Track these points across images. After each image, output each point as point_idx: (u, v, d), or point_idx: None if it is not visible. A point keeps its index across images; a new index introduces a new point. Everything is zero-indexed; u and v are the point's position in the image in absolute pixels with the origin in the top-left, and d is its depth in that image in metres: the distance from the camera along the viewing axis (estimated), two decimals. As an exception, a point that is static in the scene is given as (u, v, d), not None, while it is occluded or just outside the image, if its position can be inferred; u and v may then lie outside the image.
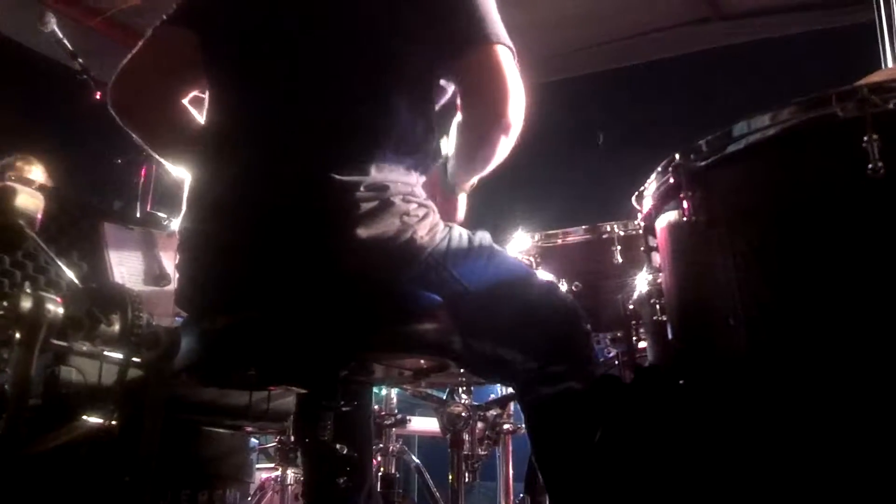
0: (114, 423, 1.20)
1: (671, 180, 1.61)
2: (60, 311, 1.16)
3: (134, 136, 1.82)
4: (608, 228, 2.78)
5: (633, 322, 2.40)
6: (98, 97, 3.41)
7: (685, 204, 1.57)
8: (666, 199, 1.70)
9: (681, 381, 1.62)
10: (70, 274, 1.65)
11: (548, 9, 4.78)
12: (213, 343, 1.62)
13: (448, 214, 1.91)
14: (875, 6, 2.61)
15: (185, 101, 1.82)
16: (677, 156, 1.60)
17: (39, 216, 1.82)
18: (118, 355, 1.23)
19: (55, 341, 1.13)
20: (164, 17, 1.78)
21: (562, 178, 4.78)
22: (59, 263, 1.71)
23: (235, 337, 1.59)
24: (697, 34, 4.92)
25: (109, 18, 4.83)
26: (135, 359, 1.20)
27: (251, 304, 1.57)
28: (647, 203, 1.80)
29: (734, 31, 4.84)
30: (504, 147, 1.67)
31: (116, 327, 1.16)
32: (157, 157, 1.91)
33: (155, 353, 1.21)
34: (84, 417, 1.20)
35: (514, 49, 1.65)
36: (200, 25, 1.75)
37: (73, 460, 1.54)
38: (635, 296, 2.26)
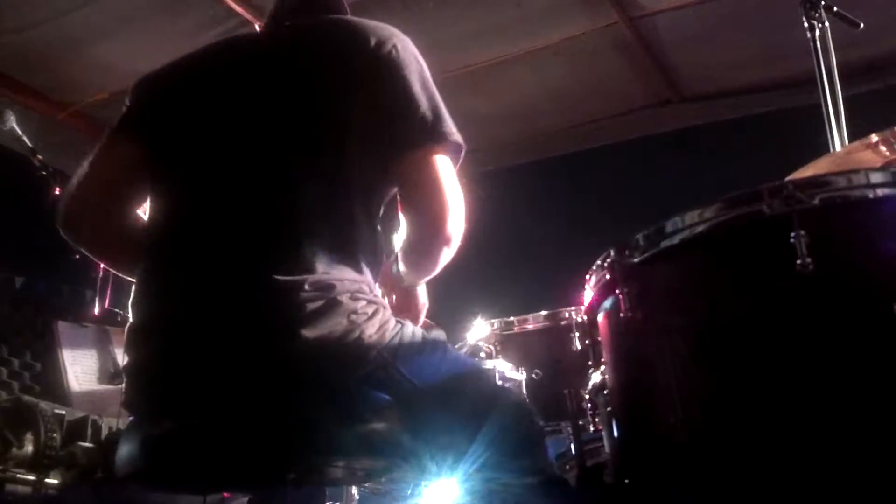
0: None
1: (607, 276, 1.61)
2: (-31, 434, 1.12)
3: (91, 255, 1.82)
4: (566, 315, 2.78)
5: (591, 412, 2.38)
6: (57, 192, 3.42)
7: (622, 299, 1.57)
8: (604, 293, 1.70)
9: (626, 481, 1.59)
10: (-9, 396, 1.61)
11: (508, 96, 4.88)
12: (157, 448, 1.58)
13: (409, 308, 1.89)
14: (820, 90, 2.66)
15: (139, 212, 1.81)
16: (612, 251, 1.60)
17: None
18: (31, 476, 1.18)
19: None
20: (110, 129, 1.78)
21: (521, 264, 4.79)
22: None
23: (179, 442, 1.55)
24: (657, 117, 5.02)
25: (77, 111, 4.87)
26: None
27: (195, 408, 1.54)
28: (589, 296, 1.79)
29: (693, 114, 4.96)
30: (447, 257, 1.64)
31: (30, 449, 1.11)
32: (112, 270, 1.90)
33: (71, 474, 1.16)
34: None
35: (455, 145, 1.63)
36: (144, 129, 1.75)
37: None
38: (590, 385, 2.24)
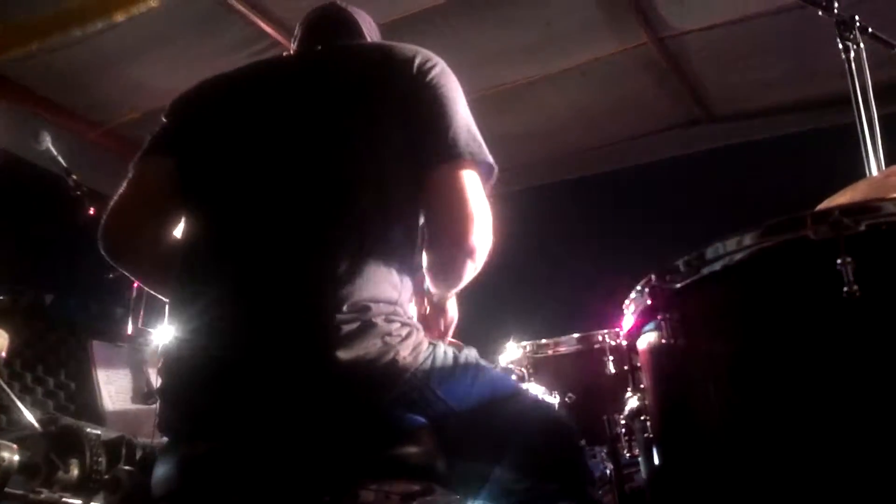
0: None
1: (648, 301, 1.60)
2: (16, 458, 1.12)
3: (128, 274, 1.84)
4: (599, 338, 2.76)
5: (627, 437, 2.35)
6: (91, 212, 3.45)
7: (664, 325, 1.55)
8: (645, 318, 1.69)
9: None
10: (29, 415, 1.61)
11: (537, 116, 4.88)
12: (192, 470, 1.58)
13: (438, 321, 1.89)
14: (855, 111, 2.62)
15: (175, 231, 1.82)
16: (653, 277, 1.59)
17: (4, 354, 1.80)
18: (77, 501, 1.18)
19: (10, 490, 1.09)
20: (142, 150, 1.80)
21: (551, 285, 4.78)
22: (19, 404, 1.67)
23: (213, 464, 1.55)
24: (688, 137, 5.00)
25: (109, 131, 4.92)
26: (94, 505, 1.16)
27: (229, 430, 1.54)
28: (628, 322, 1.78)
29: (724, 133, 4.93)
30: (471, 271, 1.66)
31: (75, 473, 1.12)
32: (146, 288, 1.92)
33: (116, 497, 1.16)
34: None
35: (486, 165, 1.65)
36: (178, 149, 1.76)
37: None
38: (626, 410, 2.21)
